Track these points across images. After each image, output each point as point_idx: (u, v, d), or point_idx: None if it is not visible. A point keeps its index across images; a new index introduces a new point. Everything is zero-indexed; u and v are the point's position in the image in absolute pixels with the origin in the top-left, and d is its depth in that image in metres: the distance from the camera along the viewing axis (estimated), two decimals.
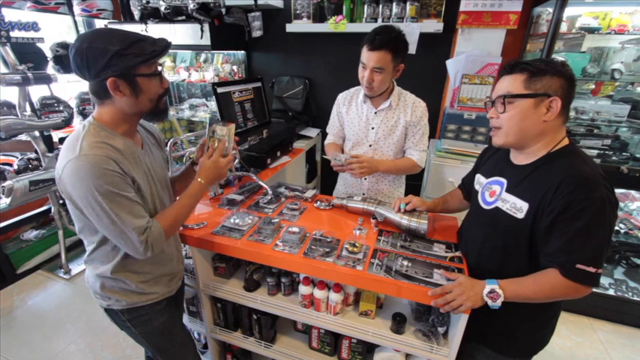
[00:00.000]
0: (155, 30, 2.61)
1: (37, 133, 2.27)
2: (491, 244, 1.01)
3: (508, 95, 0.88)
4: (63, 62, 2.54)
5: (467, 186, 1.24)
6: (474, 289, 0.93)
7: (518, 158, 0.97)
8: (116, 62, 0.80)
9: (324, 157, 1.46)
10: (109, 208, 0.84)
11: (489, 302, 0.91)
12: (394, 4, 2.20)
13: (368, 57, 1.34)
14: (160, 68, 0.93)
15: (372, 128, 1.54)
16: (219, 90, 1.78)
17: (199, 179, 1.05)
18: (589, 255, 0.82)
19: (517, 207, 0.92)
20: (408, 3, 2.17)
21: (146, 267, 1.06)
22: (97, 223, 0.88)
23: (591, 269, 0.81)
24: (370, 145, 1.56)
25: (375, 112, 1.52)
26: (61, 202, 2.45)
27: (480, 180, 1.10)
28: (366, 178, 1.63)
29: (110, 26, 2.76)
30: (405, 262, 1.09)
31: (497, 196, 0.99)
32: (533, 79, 0.86)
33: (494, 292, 0.90)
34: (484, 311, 0.92)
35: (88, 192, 0.82)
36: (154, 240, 0.92)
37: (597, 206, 0.80)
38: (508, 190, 0.96)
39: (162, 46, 0.88)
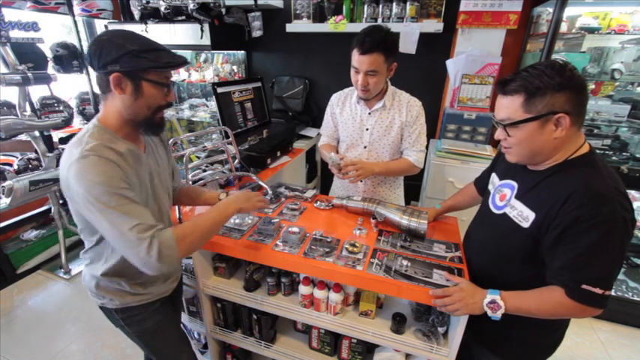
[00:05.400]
0: (155, 30, 2.61)
1: (37, 133, 2.27)
2: (494, 249, 0.99)
3: (508, 123, 0.83)
4: (63, 62, 2.54)
5: (483, 179, 1.19)
6: (475, 297, 0.91)
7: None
8: (127, 60, 0.82)
9: (326, 154, 1.45)
10: (107, 209, 0.82)
11: (489, 312, 0.88)
12: (394, 4, 2.20)
13: (360, 61, 1.30)
14: (172, 84, 0.95)
15: (367, 129, 1.51)
16: (219, 90, 1.79)
17: (233, 199, 1.06)
18: (596, 275, 0.78)
19: (524, 215, 0.88)
20: (408, 3, 2.17)
21: (139, 271, 1.05)
22: (97, 225, 0.86)
23: (598, 290, 0.77)
24: (365, 147, 1.54)
25: (369, 113, 1.50)
26: (61, 202, 2.45)
27: (493, 180, 1.07)
28: (362, 181, 1.60)
29: (112, 27, 2.76)
30: (405, 262, 1.09)
31: (507, 201, 0.95)
32: (531, 100, 0.78)
33: (495, 302, 0.87)
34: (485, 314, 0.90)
35: (88, 192, 0.81)
36: (163, 244, 0.83)
37: (608, 224, 0.75)
38: (517, 197, 0.92)
39: (179, 62, 0.91)
